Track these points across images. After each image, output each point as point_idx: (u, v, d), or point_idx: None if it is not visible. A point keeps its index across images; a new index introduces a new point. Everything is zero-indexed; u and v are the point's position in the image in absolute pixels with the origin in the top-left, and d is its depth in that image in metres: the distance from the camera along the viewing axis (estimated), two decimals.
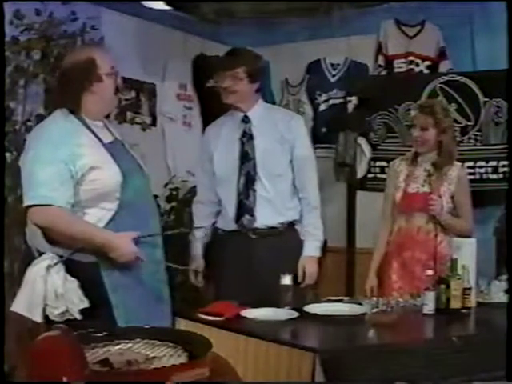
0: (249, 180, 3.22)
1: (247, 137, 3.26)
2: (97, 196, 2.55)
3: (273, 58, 4.88)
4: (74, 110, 2.61)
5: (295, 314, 2.68)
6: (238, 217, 3.22)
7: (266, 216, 3.21)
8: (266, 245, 3.19)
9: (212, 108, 5.18)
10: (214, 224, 3.38)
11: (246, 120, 3.27)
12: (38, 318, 2.50)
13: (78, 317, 2.46)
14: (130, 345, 2.00)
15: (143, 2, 4.38)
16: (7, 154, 3.52)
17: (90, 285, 2.51)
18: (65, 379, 1.66)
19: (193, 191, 4.83)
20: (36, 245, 2.59)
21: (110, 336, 2.01)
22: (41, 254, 2.56)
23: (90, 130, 2.61)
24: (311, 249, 3.28)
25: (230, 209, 3.24)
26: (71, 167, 2.50)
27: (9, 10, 3.54)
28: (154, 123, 4.86)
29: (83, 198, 2.55)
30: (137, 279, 2.61)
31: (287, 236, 3.26)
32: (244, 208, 3.21)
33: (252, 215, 3.20)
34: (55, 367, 1.71)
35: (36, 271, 2.51)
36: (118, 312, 2.52)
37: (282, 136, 3.26)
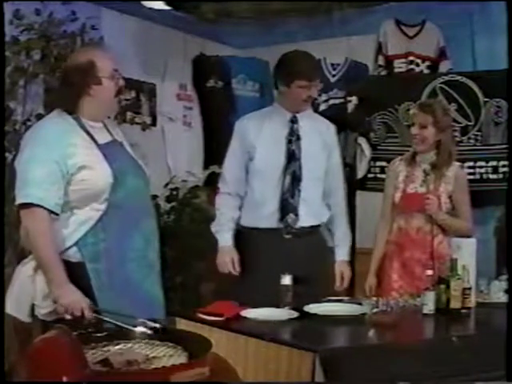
0: (295, 179, 3.22)
1: (295, 137, 3.25)
2: (85, 196, 2.54)
3: (273, 58, 4.87)
4: (71, 111, 2.60)
5: (295, 314, 2.67)
6: (283, 215, 3.20)
7: (304, 217, 3.22)
8: (299, 244, 3.20)
9: (212, 108, 5.21)
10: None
11: (294, 120, 3.27)
12: (26, 318, 2.51)
13: (68, 317, 2.45)
14: (130, 345, 2.00)
15: (143, 2, 4.39)
16: (7, 154, 3.53)
17: (78, 285, 2.49)
18: (65, 379, 1.67)
19: (193, 191, 4.85)
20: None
21: (110, 336, 2.02)
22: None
23: (85, 130, 2.60)
24: (344, 253, 3.36)
25: (271, 206, 3.21)
26: (63, 167, 2.50)
27: (9, 10, 3.54)
28: (154, 123, 4.87)
29: (71, 199, 2.54)
30: (126, 282, 2.59)
31: (314, 238, 3.29)
32: (288, 207, 3.21)
33: (296, 215, 3.20)
34: (55, 367, 1.71)
35: (24, 271, 2.53)
36: (105, 313, 2.47)
37: (323, 141, 3.31)
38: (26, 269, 2.54)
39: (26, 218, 2.50)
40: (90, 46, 2.72)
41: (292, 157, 3.23)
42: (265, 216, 3.23)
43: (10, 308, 2.56)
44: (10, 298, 2.56)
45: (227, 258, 3.23)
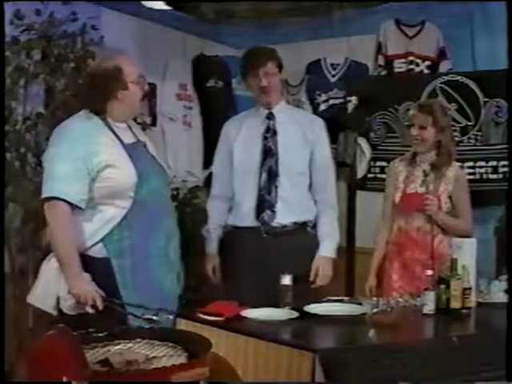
0: (271, 175, 3.21)
1: (271, 132, 3.26)
2: (110, 193, 2.63)
3: None
4: (98, 112, 2.71)
5: (295, 314, 2.67)
6: (259, 212, 3.20)
7: (283, 214, 3.20)
8: (278, 244, 3.18)
9: (212, 108, 5.21)
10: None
11: (270, 116, 3.28)
12: (52, 310, 2.59)
13: (90, 311, 2.54)
14: (130, 345, 2.00)
15: (143, 2, 4.38)
16: (7, 154, 3.53)
17: (103, 280, 2.59)
18: (65, 379, 1.67)
19: (193, 191, 4.85)
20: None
21: (110, 336, 2.02)
22: None
23: (112, 130, 2.71)
24: (327, 249, 3.27)
25: (248, 203, 3.22)
26: (88, 165, 2.60)
27: (9, 10, 3.54)
28: (154, 123, 4.86)
29: (96, 195, 2.63)
30: (149, 278, 2.68)
31: (299, 236, 3.25)
32: (265, 203, 3.20)
33: (273, 211, 3.19)
34: (55, 367, 1.72)
35: (51, 265, 2.62)
36: (129, 309, 2.57)
37: (304, 136, 3.28)
38: (52, 262, 2.62)
39: (49, 212, 2.60)
40: (115, 53, 2.87)
41: (268, 153, 3.23)
42: (244, 214, 3.24)
43: (36, 300, 2.65)
44: (37, 290, 2.65)
45: (209, 266, 3.36)
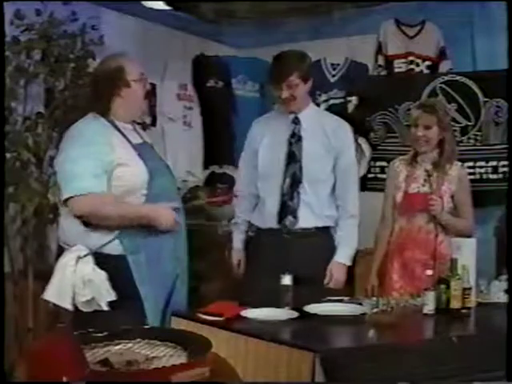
0: (294, 181, 3.21)
1: (296, 138, 3.25)
2: (123, 192, 2.69)
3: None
4: (104, 113, 2.76)
5: (295, 314, 2.67)
6: (281, 217, 3.22)
7: (304, 219, 3.21)
8: (299, 246, 3.19)
9: (212, 108, 5.22)
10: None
11: (296, 121, 3.27)
12: (68, 305, 2.62)
13: (105, 308, 2.59)
14: (130, 345, 2.00)
15: (143, 2, 4.39)
16: (7, 154, 3.53)
17: (119, 277, 2.64)
18: (65, 379, 1.67)
19: (193, 191, 4.85)
20: (66, 240, 2.73)
21: (110, 336, 2.02)
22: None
23: (120, 131, 2.76)
24: (342, 255, 3.27)
25: (271, 207, 3.23)
26: (103, 163, 2.65)
27: (9, 10, 3.54)
28: (153, 123, 4.86)
29: (113, 194, 2.68)
30: (161, 273, 2.76)
31: (320, 239, 3.26)
32: (287, 209, 3.21)
33: (295, 217, 3.20)
34: (55, 367, 1.72)
35: (66, 261, 2.65)
36: (147, 304, 2.67)
37: (329, 142, 3.25)
38: (67, 259, 2.66)
39: (78, 208, 2.64)
40: (117, 54, 2.91)
41: (292, 158, 3.23)
42: (267, 216, 3.26)
43: (51, 296, 2.67)
44: (52, 286, 2.68)
45: (234, 260, 3.41)
